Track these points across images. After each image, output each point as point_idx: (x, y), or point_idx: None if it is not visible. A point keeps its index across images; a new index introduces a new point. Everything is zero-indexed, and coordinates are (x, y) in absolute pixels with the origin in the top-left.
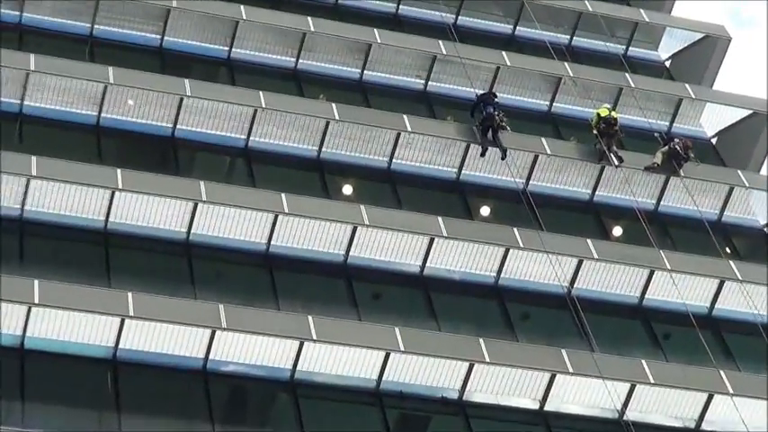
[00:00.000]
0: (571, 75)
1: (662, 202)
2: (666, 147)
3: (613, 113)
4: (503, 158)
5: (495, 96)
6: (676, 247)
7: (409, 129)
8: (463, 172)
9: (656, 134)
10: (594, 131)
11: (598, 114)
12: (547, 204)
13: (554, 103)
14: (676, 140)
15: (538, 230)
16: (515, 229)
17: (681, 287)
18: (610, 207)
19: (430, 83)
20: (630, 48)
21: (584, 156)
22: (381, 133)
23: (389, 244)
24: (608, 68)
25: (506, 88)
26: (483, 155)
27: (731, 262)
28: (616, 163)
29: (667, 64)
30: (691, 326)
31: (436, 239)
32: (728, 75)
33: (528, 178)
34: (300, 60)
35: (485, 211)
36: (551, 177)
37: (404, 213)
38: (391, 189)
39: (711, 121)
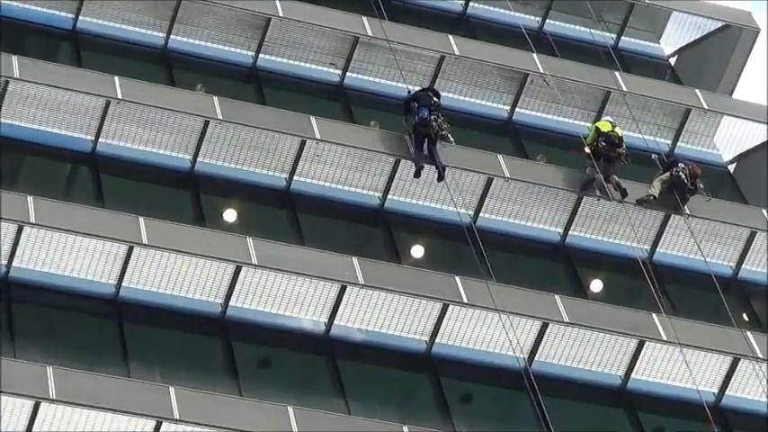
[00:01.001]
0: (541, 70)
1: (658, 248)
2: (667, 174)
3: (617, 129)
4: (439, 179)
5: (437, 96)
6: (676, 309)
7: (318, 135)
8: (389, 197)
9: (653, 156)
10: (587, 150)
11: (597, 129)
12: (502, 246)
13: (517, 108)
14: (681, 165)
15: (487, 281)
16: (458, 278)
17: (680, 366)
18: (587, 252)
19: (348, 74)
20: (623, 37)
21: (556, 181)
22: (280, 140)
23: (285, 292)
24: (592, 64)
25: (453, 85)
26: (417, 175)
27: (749, 333)
28: (617, 197)
29: (672, 61)
30: (695, 419)
31: (349, 288)
32: (754, 78)
33: (477, 210)
34: (174, 37)
35: (417, 251)
36: (509, 209)
37: (306, 251)
38: (290, 217)
39: (729, 140)
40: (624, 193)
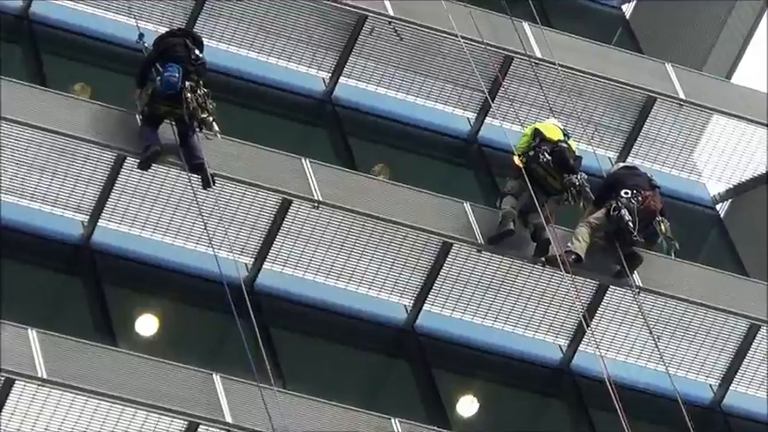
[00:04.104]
0: (391, 13)
1: (584, 349)
2: (602, 211)
3: (571, 142)
4: (204, 185)
5: (198, 45)
6: None
7: None
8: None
9: (576, 178)
10: (518, 162)
11: (536, 131)
12: None
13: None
14: (626, 194)
15: None
16: None
17: None
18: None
19: None
20: None
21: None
22: None
23: None
24: (484, 7)
25: (222, 25)
26: (145, 165)
27: None
28: (529, 254)
29: (625, 10)
30: None
31: None
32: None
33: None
34: None
35: None
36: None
37: None
38: None
39: (719, 158)
40: (545, 248)
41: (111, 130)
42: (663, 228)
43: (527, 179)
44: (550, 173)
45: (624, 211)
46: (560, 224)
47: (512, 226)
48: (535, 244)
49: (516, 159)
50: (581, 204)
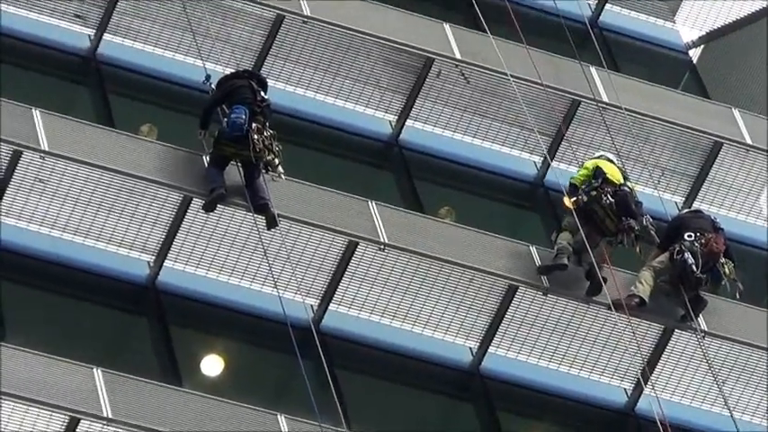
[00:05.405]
0: (458, 56)
1: (650, 392)
2: (665, 255)
3: (630, 183)
4: (268, 226)
5: (263, 87)
6: None
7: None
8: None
9: (636, 222)
10: (570, 204)
11: (598, 169)
12: None
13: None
14: (689, 237)
15: None
16: None
17: None
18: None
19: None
20: None
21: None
22: None
23: None
24: (552, 51)
25: (290, 68)
26: (210, 207)
27: None
28: (581, 295)
29: (693, 54)
30: None
31: None
32: None
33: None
34: None
35: None
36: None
37: None
38: None
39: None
40: (598, 287)
41: (177, 171)
42: (727, 270)
43: (577, 218)
44: (610, 215)
45: (687, 255)
46: (622, 267)
47: (566, 261)
48: (588, 281)
49: (567, 201)
50: (637, 249)
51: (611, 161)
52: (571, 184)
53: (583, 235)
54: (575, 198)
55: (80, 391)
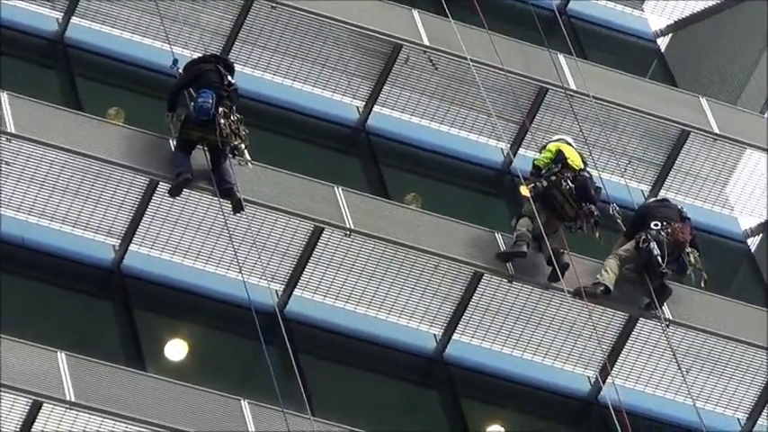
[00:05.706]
0: (426, 42)
1: (613, 380)
2: (630, 243)
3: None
4: (235, 210)
5: (230, 70)
6: None
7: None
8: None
9: (594, 207)
10: (526, 192)
11: (559, 152)
12: None
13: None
14: (655, 226)
15: None
16: None
17: None
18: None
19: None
20: None
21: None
22: None
23: None
24: (520, 38)
25: (257, 53)
26: (175, 191)
27: None
28: (543, 281)
29: (661, 43)
30: None
31: None
32: None
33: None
34: None
35: None
36: None
37: None
38: None
39: (751, 192)
40: (562, 271)
41: (143, 154)
42: (692, 258)
43: (534, 204)
44: (569, 201)
45: (653, 244)
46: (585, 255)
47: (525, 249)
48: (551, 268)
49: (524, 189)
50: (597, 235)
51: (570, 144)
52: (535, 166)
53: (540, 222)
54: (532, 185)
55: (44, 374)
